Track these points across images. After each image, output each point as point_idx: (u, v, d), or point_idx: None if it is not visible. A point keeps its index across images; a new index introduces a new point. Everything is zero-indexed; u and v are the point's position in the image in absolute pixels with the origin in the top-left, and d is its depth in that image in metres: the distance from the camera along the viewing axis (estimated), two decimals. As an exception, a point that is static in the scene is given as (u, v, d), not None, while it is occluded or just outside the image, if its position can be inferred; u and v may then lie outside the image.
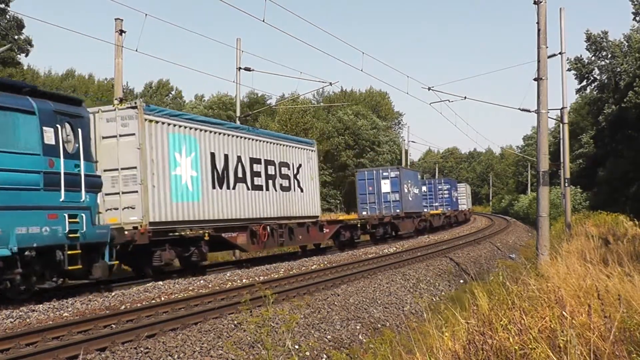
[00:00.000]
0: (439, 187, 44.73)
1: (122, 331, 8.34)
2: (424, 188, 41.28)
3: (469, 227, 45.91)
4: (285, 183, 19.73)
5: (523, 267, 10.38)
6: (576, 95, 48.90)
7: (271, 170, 18.96)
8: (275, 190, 19.05)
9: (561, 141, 28.39)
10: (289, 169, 20.01)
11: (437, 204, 43.45)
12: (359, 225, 25.36)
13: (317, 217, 21.80)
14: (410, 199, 32.30)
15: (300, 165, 20.77)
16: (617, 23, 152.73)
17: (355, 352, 9.19)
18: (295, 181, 20.40)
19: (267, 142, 19.12)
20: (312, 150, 22.05)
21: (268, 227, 17.94)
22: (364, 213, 30.07)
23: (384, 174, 31.04)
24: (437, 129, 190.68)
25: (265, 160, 18.70)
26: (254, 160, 18.14)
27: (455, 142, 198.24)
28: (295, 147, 20.77)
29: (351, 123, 61.79)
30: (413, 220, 32.76)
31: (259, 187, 18.19)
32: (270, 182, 18.82)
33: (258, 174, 18.22)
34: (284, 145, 20.07)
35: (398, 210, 30.12)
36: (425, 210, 39.66)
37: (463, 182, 70.74)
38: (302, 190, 20.75)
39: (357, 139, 61.87)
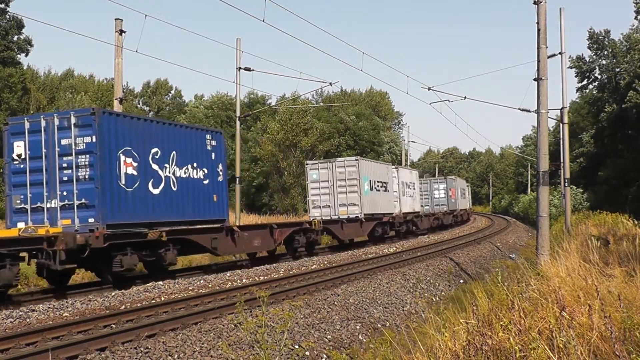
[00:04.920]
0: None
1: (122, 331, 8.35)
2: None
3: (469, 227, 45.90)
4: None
5: (523, 267, 10.37)
6: (577, 94, 48.87)
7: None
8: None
9: (561, 141, 28.38)
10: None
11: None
12: None
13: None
14: None
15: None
16: (618, 23, 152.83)
17: (355, 352, 9.19)
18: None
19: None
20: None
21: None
22: None
23: None
24: (437, 129, 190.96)
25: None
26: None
27: (455, 142, 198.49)
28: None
29: (352, 124, 61.77)
30: None
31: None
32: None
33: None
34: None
35: None
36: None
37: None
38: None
39: (357, 139, 61.83)
